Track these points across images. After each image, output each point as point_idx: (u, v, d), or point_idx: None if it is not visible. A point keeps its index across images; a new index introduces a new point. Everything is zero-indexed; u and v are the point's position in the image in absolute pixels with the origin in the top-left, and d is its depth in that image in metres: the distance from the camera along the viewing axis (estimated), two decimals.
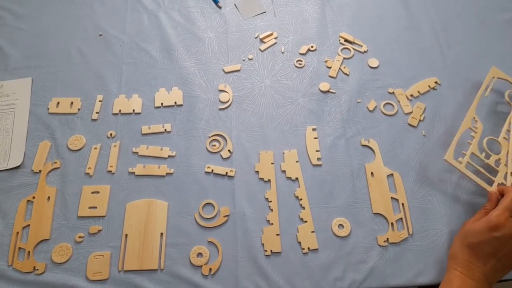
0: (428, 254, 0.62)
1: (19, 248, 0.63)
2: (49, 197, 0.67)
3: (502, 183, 0.64)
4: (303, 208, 0.66)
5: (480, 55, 0.80)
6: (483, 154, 0.67)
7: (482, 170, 0.65)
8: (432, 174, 0.69)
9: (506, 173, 0.66)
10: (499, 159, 0.67)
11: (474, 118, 0.70)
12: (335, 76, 0.79)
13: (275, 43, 0.83)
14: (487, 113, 0.74)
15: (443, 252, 0.62)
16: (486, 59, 0.79)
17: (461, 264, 0.55)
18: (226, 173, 0.69)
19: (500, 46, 0.81)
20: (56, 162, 0.70)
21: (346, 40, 0.83)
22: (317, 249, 0.63)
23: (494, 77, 0.75)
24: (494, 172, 0.65)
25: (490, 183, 0.64)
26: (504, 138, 0.69)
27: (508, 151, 0.68)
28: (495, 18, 0.85)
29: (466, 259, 0.55)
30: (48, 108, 0.75)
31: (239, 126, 0.73)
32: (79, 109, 0.75)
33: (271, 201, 0.66)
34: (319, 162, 0.70)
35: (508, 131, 0.70)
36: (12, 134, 0.72)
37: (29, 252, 0.62)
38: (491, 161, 0.66)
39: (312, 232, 0.64)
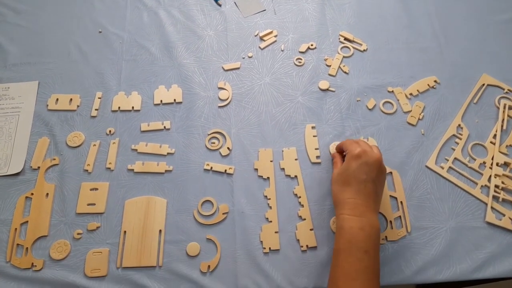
0: (426, 252, 0.62)
1: (17, 244, 0.63)
2: (47, 194, 0.67)
3: (485, 185, 0.67)
4: (302, 205, 0.66)
5: (479, 54, 0.80)
6: (467, 158, 0.69)
7: (465, 174, 0.68)
8: (430, 173, 0.69)
9: (491, 175, 0.67)
10: (484, 162, 0.69)
11: (459, 125, 0.72)
12: (334, 74, 0.79)
13: (275, 41, 0.83)
14: (478, 117, 0.74)
15: (441, 250, 0.62)
16: (485, 58, 0.80)
17: (345, 204, 0.56)
18: (225, 170, 0.69)
19: (499, 46, 0.82)
20: (55, 159, 0.70)
21: (345, 39, 0.83)
22: (315, 246, 0.63)
23: (484, 84, 0.76)
24: (479, 175, 0.68)
25: (474, 186, 0.67)
26: (491, 142, 0.71)
27: (493, 155, 0.69)
28: (494, 18, 0.85)
29: (348, 197, 0.57)
30: (47, 105, 0.75)
31: (238, 124, 0.73)
32: (78, 106, 0.75)
33: (270, 199, 0.66)
34: (318, 160, 0.70)
35: (496, 135, 0.71)
36: (15, 139, 0.71)
37: (27, 248, 0.62)
38: (475, 165, 0.69)
39: (311, 229, 0.64)
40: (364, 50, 0.81)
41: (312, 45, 0.82)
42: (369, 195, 0.57)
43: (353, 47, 0.82)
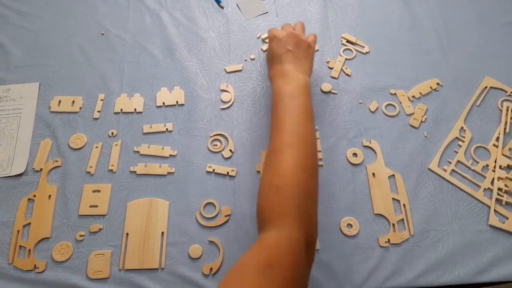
0: (429, 255, 0.62)
1: (20, 246, 0.63)
2: (50, 196, 0.67)
3: (488, 188, 0.67)
4: None
5: (482, 57, 0.80)
6: (470, 161, 0.69)
7: (468, 177, 0.68)
8: (433, 176, 0.69)
9: (494, 178, 0.67)
10: (487, 165, 0.69)
11: (462, 128, 0.72)
12: (337, 77, 0.79)
13: None
14: (481, 120, 0.74)
15: (444, 253, 0.62)
16: (488, 61, 0.80)
17: (274, 76, 0.65)
18: (228, 172, 0.69)
19: (502, 49, 0.81)
20: (57, 161, 0.70)
21: (348, 41, 0.83)
22: (318, 249, 0.63)
23: (487, 87, 0.76)
24: (482, 178, 0.68)
25: (477, 189, 0.67)
26: (494, 145, 0.70)
27: (496, 158, 0.69)
28: (497, 20, 0.85)
29: (274, 70, 0.66)
30: (50, 107, 0.75)
31: (241, 126, 0.73)
32: (80, 108, 0.75)
33: None
34: (321, 163, 0.70)
35: (498, 138, 0.71)
36: (17, 140, 0.72)
37: (29, 250, 0.62)
38: (477, 168, 0.69)
39: None
40: (366, 53, 0.81)
41: None
42: (291, 62, 0.65)
43: (356, 50, 0.82)
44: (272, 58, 0.68)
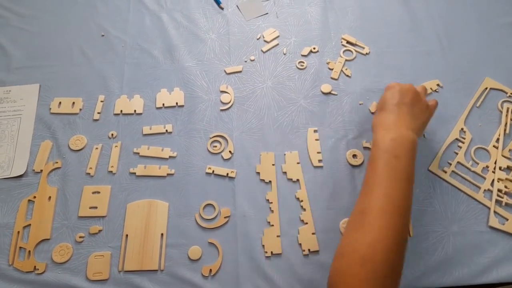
0: (428, 257, 0.62)
1: (20, 247, 0.63)
2: (50, 197, 0.67)
3: (488, 189, 0.67)
4: (304, 209, 0.66)
5: (482, 58, 0.80)
6: (470, 162, 0.69)
7: (468, 178, 0.68)
8: (433, 177, 0.69)
9: (494, 179, 0.67)
10: (487, 166, 0.69)
11: (462, 129, 0.72)
12: (337, 78, 0.79)
13: (277, 44, 0.83)
14: (481, 121, 0.74)
15: (444, 255, 0.62)
16: (488, 62, 0.79)
17: (380, 125, 0.59)
18: (227, 174, 0.69)
19: (502, 50, 0.81)
20: (57, 162, 0.70)
21: (348, 42, 0.83)
22: (317, 251, 0.63)
23: (487, 88, 0.76)
24: (482, 179, 0.68)
25: (477, 190, 0.67)
26: (494, 146, 0.70)
27: (496, 159, 0.69)
28: (497, 21, 0.85)
29: (382, 118, 0.60)
30: (50, 108, 0.75)
31: (240, 127, 0.73)
32: (80, 109, 0.75)
33: (271, 203, 0.66)
34: (320, 164, 0.70)
35: (498, 139, 0.71)
36: (17, 142, 0.72)
37: (29, 251, 0.62)
38: (478, 169, 0.69)
39: (313, 234, 0.64)
40: (366, 54, 0.81)
41: (314, 48, 0.82)
42: (403, 115, 0.59)
43: (356, 51, 0.82)
44: (382, 107, 0.62)
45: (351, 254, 0.48)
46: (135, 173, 0.69)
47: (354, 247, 0.49)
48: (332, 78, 0.79)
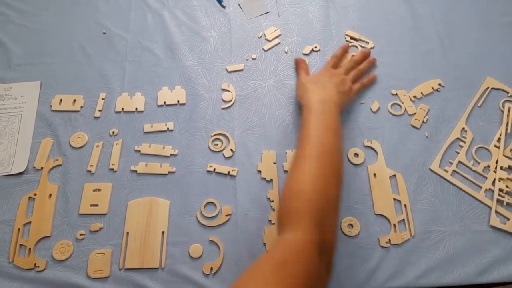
0: (430, 256, 0.62)
1: (20, 245, 0.63)
2: (50, 194, 0.67)
3: (490, 189, 0.67)
4: None
5: (484, 57, 0.80)
6: (471, 162, 0.69)
7: (469, 177, 0.68)
8: (434, 176, 0.69)
9: (495, 179, 0.67)
10: (488, 166, 0.69)
11: (463, 128, 0.72)
12: None
13: (279, 43, 0.83)
14: (482, 121, 0.74)
15: (445, 254, 0.62)
16: (489, 61, 0.79)
17: (313, 92, 0.67)
18: (228, 172, 0.69)
19: (504, 49, 0.81)
20: (58, 160, 0.70)
21: (352, 38, 0.83)
22: None
23: (488, 88, 0.76)
24: (483, 179, 0.68)
25: (478, 189, 0.67)
26: (495, 146, 0.70)
27: (498, 158, 0.69)
28: (498, 20, 0.85)
29: (310, 88, 0.68)
30: (51, 106, 0.75)
31: (242, 126, 0.73)
32: (81, 107, 0.75)
33: (273, 201, 0.66)
34: None
35: (500, 139, 0.71)
36: (18, 138, 0.71)
37: (30, 249, 0.62)
38: (479, 169, 0.69)
39: None
40: (372, 48, 0.81)
41: (316, 47, 0.82)
42: (330, 88, 0.69)
43: (361, 46, 0.82)
44: (314, 81, 0.71)
45: (288, 193, 0.55)
46: (136, 171, 0.69)
47: (290, 186, 0.55)
48: None
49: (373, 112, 0.75)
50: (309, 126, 0.61)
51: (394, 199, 0.66)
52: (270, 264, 0.46)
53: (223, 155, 0.71)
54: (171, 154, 0.70)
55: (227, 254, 0.63)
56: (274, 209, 0.66)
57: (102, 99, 0.76)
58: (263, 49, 0.82)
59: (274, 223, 0.65)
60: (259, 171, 0.69)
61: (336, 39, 0.83)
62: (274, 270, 0.44)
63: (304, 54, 0.81)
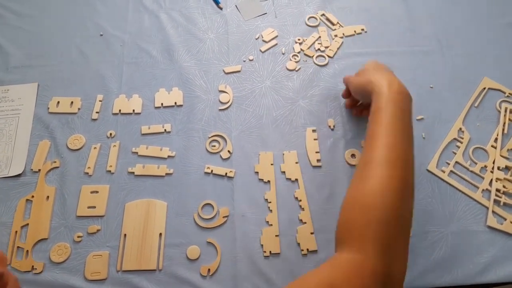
0: (427, 256, 0.62)
1: (18, 247, 0.63)
2: (48, 197, 0.67)
3: (487, 189, 0.67)
4: (303, 209, 0.66)
5: (481, 58, 0.80)
6: (468, 162, 0.69)
7: (466, 177, 0.68)
8: (431, 177, 0.69)
9: (492, 179, 0.67)
10: (485, 166, 0.69)
11: (460, 129, 0.72)
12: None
13: (276, 44, 0.83)
14: (479, 121, 0.74)
15: (442, 254, 0.62)
16: (486, 62, 0.80)
17: (385, 81, 0.57)
18: (226, 173, 0.69)
19: (500, 50, 0.81)
20: (55, 162, 0.70)
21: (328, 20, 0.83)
22: (316, 250, 0.63)
23: (485, 88, 0.76)
24: (480, 179, 0.68)
25: (475, 190, 0.67)
26: (492, 146, 0.70)
27: (494, 159, 0.69)
28: (495, 21, 0.85)
29: (388, 76, 0.58)
30: (48, 108, 0.75)
31: (239, 127, 0.73)
32: (79, 109, 0.75)
33: (270, 202, 0.66)
34: (319, 164, 0.70)
35: (497, 139, 0.71)
36: (15, 141, 0.71)
37: (27, 251, 0.62)
38: (476, 169, 0.69)
39: (312, 233, 0.64)
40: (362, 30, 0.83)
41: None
42: (394, 75, 0.59)
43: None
44: (378, 68, 0.62)
45: (352, 204, 0.48)
46: (133, 172, 0.69)
47: (356, 196, 0.48)
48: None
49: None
50: (383, 122, 0.51)
51: None
52: (317, 283, 0.40)
53: (221, 156, 0.71)
54: (168, 156, 0.70)
55: (225, 255, 0.63)
56: (271, 210, 0.66)
57: (100, 101, 0.76)
58: (260, 50, 0.82)
59: (271, 225, 0.65)
60: (257, 173, 0.69)
61: (333, 40, 0.83)
62: None
63: (307, 55, 0.81)
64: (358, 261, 0.42)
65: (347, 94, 0.72)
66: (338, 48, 0.82)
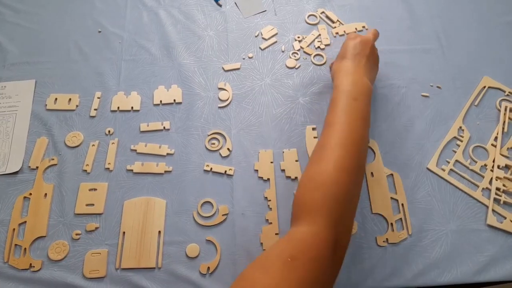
0: (427, 255, 0.62)
1: (15, 245, 0.62)
2: (46, 194, 0.66)
3: (487, 188, 0.67)
4: None
5: (481, 56, 0.80)
6: (468, 161, 0.69)
7: (466, 176, 0.68)
8: (431, 175, 0.69)
9: (492, 178, 0.67)
10: (485, 165, 0.69)
11: (461, 127, 0.72)
12: None
13: (276, 41, 0.82)
14: (479, 120, 0.74)
15: (442, 253, 0.62)
16: (486, 60, 0.79)
17: (341, 71, 0.64)
18: (225, 171, 0.69)
19: (501, 48, 0.81)
20: (53, 159, 0.69)
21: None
22: None
23: (485, 87, 0.76)
24: (480, 178, 0.68)
25: (475, 188, 0.67)
26: (492, 144, 0.70)
27: (494, 157, 0.69)
28: (496, 20, 0.85)
29: (343, 65, 0.64)
30: (46, 105, 0.74)
31: (239, 125, 0.73)
32: (77, 106, 0.74)
33: (270, 200, 0.66)
34: None
35: (497, 137, 0.71)
36: (12, 138, 0.71)
37: (25, 249, 0.62)
38: (476, 168, 0.69)
39: None
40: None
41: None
42: (362, 65, 0.64)
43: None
44: (344, 55, 0.66)
45: (308, 182, 0.53)
46: (132, 170, 0.68)
47: (311, 176, 0.53)
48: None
49: None
50: (337, 110, 0.58)
51: (391, 198, 0.66)
52: (279, 257, 0.44)
53: (220, 154, 0.70)
54: (167, 153, 0.70)
55: (224, 253, 0.62)
56: (271, 208, 0.65)
57: (98, 98, 0.75)
58: (260, 47, 0.82)
59: (271, 223, 0.64)
60: (256, 170, 0.69)
61: (333, 38, 0.83)
62: (282, 264, 0.43)
63: (306, 53, 0.81)
64: (313, 232, 0.47)
65: None
66: (337, 47, 0.81)
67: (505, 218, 0.65)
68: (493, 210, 0.65)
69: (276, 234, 0.63)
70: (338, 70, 0.64)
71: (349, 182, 0.52)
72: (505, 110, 0.73)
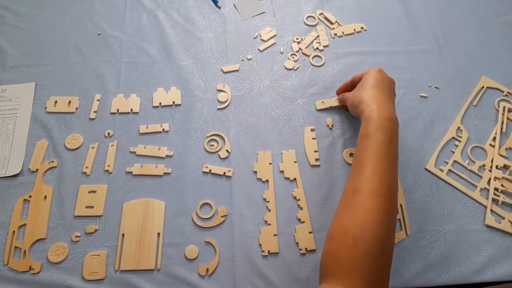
0: (425, 256, 0.62)
1: (15, 247, 0.63)
2: (45, 196, 0.66)
3: (485, 188, 0.67)
4: (301, 208, 0.66)
5: (479, 57, 0.80)
6: (467, 161, 0.69)
7: (464, 176, 0.68)
8: (430, 176, 0.69)
9: (490, 178, 0.67)
10: (484, 165, 0.69)
11: (459, 127, 0.72)
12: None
13: (274, 43, 0.82)
14: (478, 120, 0.74)
15: (441, 253, 0.62)
16: (484, 61, 0.80)
17: (372, 100, 0.58)
18: (224, 173, 0.69)
19: (499, 49, 0.81)
20: (53, 161, 0.69)
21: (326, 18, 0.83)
22: (314, 249, 0.63)
23: (484, 87, 0.76)
24: (479, 178, 0.68)
25: (473, 189, 0.67)
26: (491, 145, 0.70)
27: (493, 158, 0.69)
28: (494, 20, 0.85)
29: (373, 94, 0.59)
30: (46, 107, 0.75)
31: (237, 126, 0.73)
32: (77, 108, 0.75)
33: (269, 202, 0.66)
34: (317, 163, 0.69)
35: (495, 137, 0.71)
36: (12, 140, 0.71)
37: (25, 251, 0.62)
38: (474, 168, 0.69)
39: (310, 232, 0.64)
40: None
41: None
42: (391, 99, 0.60)
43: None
44: (375, 84, 0.60)
45: (342, 236, 0.48)
46: (131, 172, 0.69)
47: (345, 228, 0.48)
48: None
49: None
50: (373, 149, 0.52)
51: None
52: None
53: (219, 156, 0.71)
54: (166, 155, 0.70)
55: (223, 255, 0.63)
56: (270, 209, 0.66)
57: (97, 100, 0.75)
58: (259, 49, 0.82)
59: (269, 224, 0.64)
60: (255, 172, 0.69)
61: (332, 39, 0.83)
62: None
63: (305, 54, 0.81)
64: None
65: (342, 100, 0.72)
66: (336, 48, 0.82)
67: (503, 218, 0.65)
68: (491, 211, 0.65)
69: (275, 235, 0.64)
70: (368, 98, 0.58)
71: (390, 238, 0.48)
72: (504, 110, 0.73)
